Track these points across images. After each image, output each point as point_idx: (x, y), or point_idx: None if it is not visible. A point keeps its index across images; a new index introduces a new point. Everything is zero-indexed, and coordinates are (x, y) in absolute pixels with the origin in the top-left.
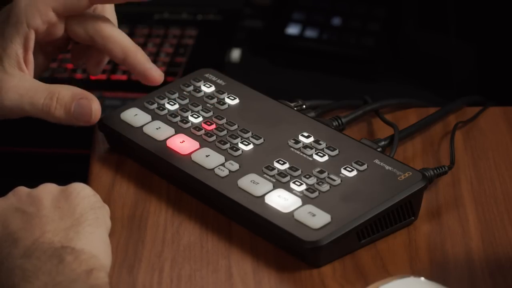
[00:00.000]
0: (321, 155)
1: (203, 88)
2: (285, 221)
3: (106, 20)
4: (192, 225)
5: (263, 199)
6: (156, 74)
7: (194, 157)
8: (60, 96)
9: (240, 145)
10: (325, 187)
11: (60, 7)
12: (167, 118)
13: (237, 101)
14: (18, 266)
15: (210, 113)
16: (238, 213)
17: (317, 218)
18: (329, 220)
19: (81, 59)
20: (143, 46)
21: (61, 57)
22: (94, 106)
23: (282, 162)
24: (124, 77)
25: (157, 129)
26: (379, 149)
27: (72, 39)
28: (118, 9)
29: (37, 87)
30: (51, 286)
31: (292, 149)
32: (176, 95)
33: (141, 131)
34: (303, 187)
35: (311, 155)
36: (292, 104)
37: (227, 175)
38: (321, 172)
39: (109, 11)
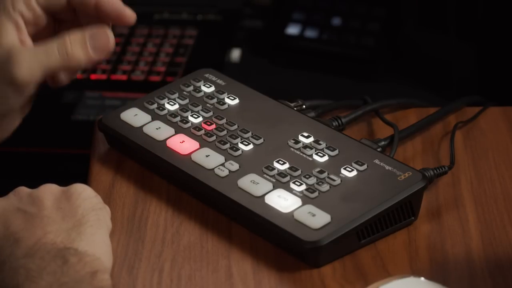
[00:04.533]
0: (321, 155)
1: (203, 88)
2: (285, 221)
3: None
4: (192, 225)
5: (263, 199)
6: (129, 13)
7: (194, 157)
8: (71, 35)
9: (240, 145)
10: (325, 187)
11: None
12: (167, 118)
13: (237, 101)
14: (21, 266)
15: (210, 113)
16: (238, 213)
17: (317, 218)
18: (329, 220)
19: None
20: (143, 46)
21: None
22: (107, 32)
23: (282, 162)
24: (124, 77)
25: (157, 129)
26: (379, 149)
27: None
28: None
29: (45, 42)
30: (56, 286)
31: (292, 149)
32: (176, 95)
33: (141, 131)
34: (303, 187)
35: (311, 155)
36: (292, 104)
37: (227, 175)
38: (321, 172)
39: None
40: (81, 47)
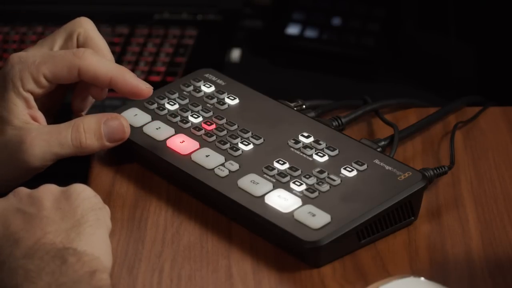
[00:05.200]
0: (321, 155)
1: (203, 88)
2: (285, 221)
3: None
4: (192, 225)
5: (263, 199)
6: (145, 88)
7: (194, 157)
8: (85, 125)
9: (240, 145)
10: (325, 187)
11: (51, 75)
12: (167, 118)
13: (237, 101)
14: (20, 266)
15: (210, 113)
16: (238, 213)
17: (317, 218)
18: (329, 220)
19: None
20: (143, 46)
21: None
22: (122, 121)
23: (282, 162)
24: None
25: (157, 129)
26: (379, 149)
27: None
28: (118, 9)
29: (58, 127)
30: (55, 286)
31: (292, 149)
32: (176, 95)
33: (141, 131)
34: (303, 187)
35: (311, 155)
36: (292, 104)
37: (227, 175)
38: (321, 172)
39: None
40: (96, 137)
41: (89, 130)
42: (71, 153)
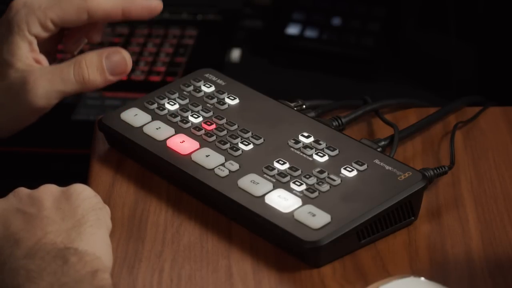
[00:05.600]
0: (321, 155)
1: (203, 88)
2: (285, 221)
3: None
4: (192, 225)
5: (263, 199)
6: (155, 3)
7: (194, 157)
8: (87, 60)
9: (240, 145)
10: (325, 187)
11: (58, 20)
12: (167, 118)
13: (237, 101)
14: (22, 267)
15: (210, 113)
16: (238, 213)
17: (317, 218)
18: (329, 220)
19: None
20: (143, 46)
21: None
22: (124, 54)
23: (282, 162)
24: (124, 77)
25: (157, 129)
26: (379, 149)
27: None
28: None
29: (60, 66)
30: (57, 286)
31: (292, 149)
32: (176, 95)
33: (141, 131)
34: (303, 187)
35: (311, 155)
36: (292, 104)
37: (227, 175)
38: (321, 172)
39: None
40: (99, 71)
41: (91, 65)
42: (75, 90)
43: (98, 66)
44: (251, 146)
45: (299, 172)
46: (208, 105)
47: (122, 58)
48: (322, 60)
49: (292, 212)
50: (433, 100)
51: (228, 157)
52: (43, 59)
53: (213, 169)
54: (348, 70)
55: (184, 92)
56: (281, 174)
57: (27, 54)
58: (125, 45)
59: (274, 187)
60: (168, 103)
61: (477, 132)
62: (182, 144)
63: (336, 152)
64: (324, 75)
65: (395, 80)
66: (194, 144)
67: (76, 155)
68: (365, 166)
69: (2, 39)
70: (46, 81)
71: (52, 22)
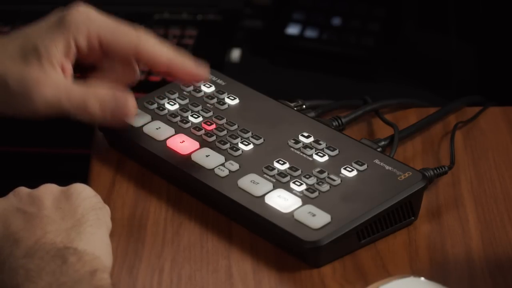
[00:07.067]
0: (321, 155)
1: (203, 88)
2: (285, 221)
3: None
4: (192, 225)
5: (263, 199)
6: (202, 72)
7: (194, 157)
8: (97, 92)
9: (240, 145)
10: (325, 187)
11: (107, 42)
12: (167, 118)
13: (237, 101)
14: (21, 266)
15: (210, 113)
16: (238, 213)
17: (317, 218)
18: (329, 220)
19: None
20: None
21: None
22: (129, 100)
23: (282, 162)
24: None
25: (157, 129)
26: (379, 149)
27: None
28: (118, 10)
29: (75, 86)
30: (55, 286)
31: (292, 149)
32: (176, 95)
33: (141, 131)
34: (303, 187)
35: (311, 155)
36: (292, 104)
37: (227, 175)
38: (321, 172)
39: None
40: (100, 106)
41: (97, 98)
42: (73, 111)
43: (102, 102)
44: (251, 146)
45: (299, 172)
46: (208, 105)
47: (124, 102)
48: (322, 60)
49: (292, 212)
50: (433, 100)
51: (228, 157)
52: (69, 71)
53: (213, 169)
54: (348, 70)
55: (184, 92)
56: (281, 174)
57: (59, 56)
58: None
59: (274, 187)
60: (168, 103)
61: (477, 132)
62: (182, 144)
63: (336, 152)
64: (324, 75)
65: (395, 80)
66: (194, 144)
67: (76, 155)
68: (365, 166)
69: (47, 28)
70: (54, 90)
71: (100, 41)
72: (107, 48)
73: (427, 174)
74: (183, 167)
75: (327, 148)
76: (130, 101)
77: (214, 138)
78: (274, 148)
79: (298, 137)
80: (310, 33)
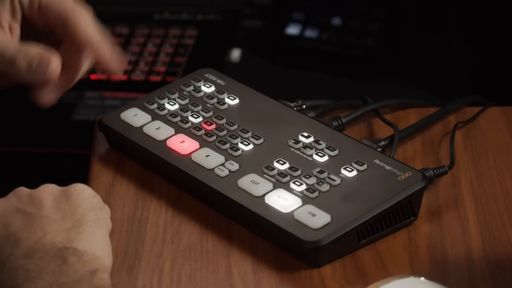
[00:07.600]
0: (321, 155)
1: (203, 88)
2: (285, 221)
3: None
4: (192, 225)
5: (263, 199)
6: (115, 64)
7: (194, 157)
8: (28, 50)
9: (240, 145)
10: (325, 187)
11: (46, 2)
12: (167, 118)
13: (237, 101)
14: (21, 266)
15: (210, 113)
16: (238, 213)
17: (317, 218)
18: (329, 220)
19: None
20: (143, 46)
21: None
22: (53, 59)
23: (282, 162)
24: (124, 77)
25: (157, 129)
26: (379, 149)
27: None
28: (118, 9)
29: (14, 42)
30: (55, 286)
31: (292, 149)
32: (176, 95)
33: (141, 131)
34: (303, 187)
35: (311, 155)
36: (292, 104)
37: (227, 175)
38: (321, 172)
39: None
40: (27, 64)
41: (27, 56)
42: (3, 67)
43: (30, 60)
44: (251, 146)
45: (299, 172)
46: (208, 105)
47: (47, 62)
48: (322, 60)
49: (292, 212)
50: (433, 100)
51: (228, 157)
52: (16, 31)
53: (213, 169)
54: (348, 70)
55: (184, 92)
56: (281, 174)
57: (5, 16)
58: (125, 45)
59: (274, 187)
60: (168, 103)
61: (477, 132)
62: (182, 144)
63: (336, 152)
64: (324, 75)
65: (395, 80)
66: (194, 144)
67: (76, 155)
68: (365, 166)
69: None
70: None
71: (39, 2)
72: (44, 10)
73: (427, 174)
74: (183, 167)
75: (327, 148)
76: (54, 60)
77: (214, 138)
78: (274, 148)
79: (298, 137)
80: (310, 33)
